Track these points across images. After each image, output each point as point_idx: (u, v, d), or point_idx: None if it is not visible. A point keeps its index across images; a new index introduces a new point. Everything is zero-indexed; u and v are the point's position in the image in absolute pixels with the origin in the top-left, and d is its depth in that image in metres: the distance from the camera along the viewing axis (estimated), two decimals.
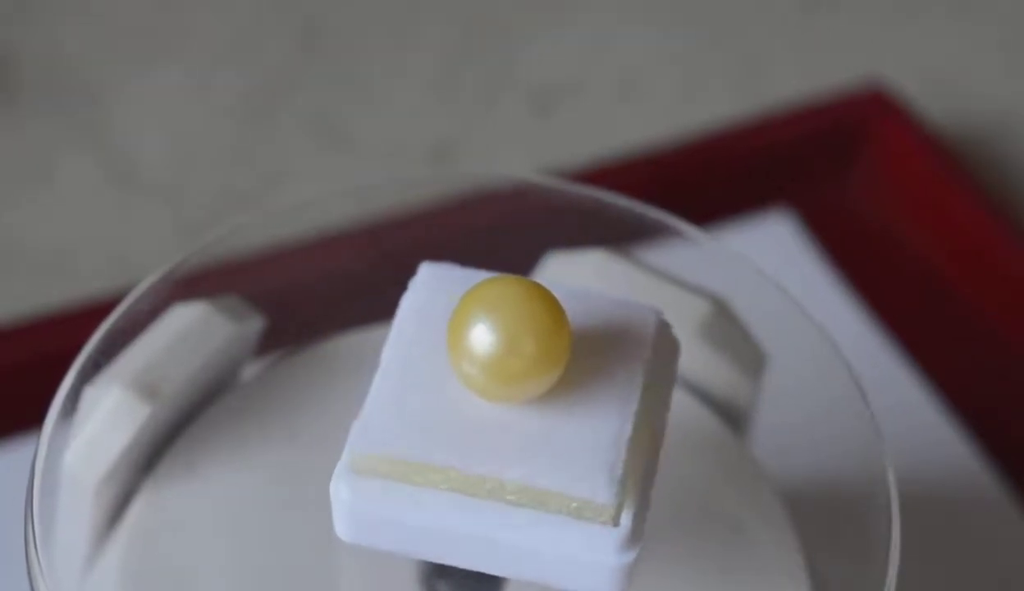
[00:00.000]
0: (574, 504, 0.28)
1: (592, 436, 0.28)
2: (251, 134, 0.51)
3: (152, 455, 0.33)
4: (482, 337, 0.28)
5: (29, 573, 0.31)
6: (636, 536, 0.28)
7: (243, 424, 0.34)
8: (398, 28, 0.55)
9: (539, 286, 0.28)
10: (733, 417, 0.36)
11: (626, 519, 0.28)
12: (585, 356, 0.29)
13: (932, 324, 0.47)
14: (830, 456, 0.36)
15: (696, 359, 0.35)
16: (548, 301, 0.28)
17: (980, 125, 0.53)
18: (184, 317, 0.34)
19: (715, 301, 0.35)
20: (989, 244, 0.48)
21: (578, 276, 0.36)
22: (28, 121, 0.51)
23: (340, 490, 0.28)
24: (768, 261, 0.37)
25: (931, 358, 0.46)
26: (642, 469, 0.29)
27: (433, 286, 0.30)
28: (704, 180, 0.49)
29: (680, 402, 0.35)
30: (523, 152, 0.52)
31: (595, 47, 0.55)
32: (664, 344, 0.30)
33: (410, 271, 0.31)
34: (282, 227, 0.36)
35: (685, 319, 0.35)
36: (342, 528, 0.28)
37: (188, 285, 0.34)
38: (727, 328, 0.35)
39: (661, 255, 0.37)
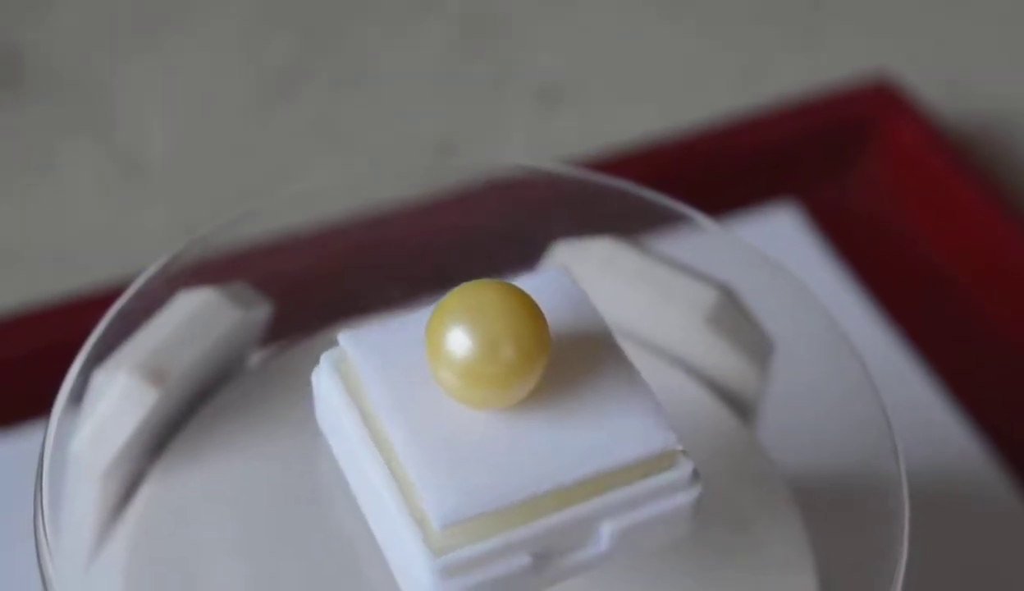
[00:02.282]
0: (652, 465, 0.28)
1: (625, 403, 0.29)
2: (255, 128, 0.51)
3: (159, 441, 0.33)
4: (461, 342, 0.28)
5: (39, 557, 0.31)
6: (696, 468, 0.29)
7: (250, 411, 0.34)
8: (402, 23, 0.55)
9: (515, 289, 0.28)
10: (740, 406, 0.35)
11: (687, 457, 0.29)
12: (557, 351, 0.29)
13: (937, 318, 0.47)
14: (838, 445, 0.36)
15: (703, 347, 0.35)
16: (526, 303, 0.28)
17: (987, 120, 0.53)
18: (191, 303, 0.34)
19: (723, 289, 0.35)
20: (995, 239, 0.48)
21: (586, 265, 0.36)
22: (32, 113, 0.51)
23: (422, 578, 0.27)
24: (773, 255, 0.37)
25: (937, 353, 0.46)
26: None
27: (373, 347, 0.30)
28: (709, 174, 0.49)
29: (687, 391, 0.35)
30: (528, 147, 0.52)
31: (599, 42, 0.55)
32: (587, 302, 0.30)
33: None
34: (291, 214, 0.36)
35: (693, 307, 0.35)
36: None
37: (195, 272, 0.34)
38: (735, 316, 0.35)
39: (668, 244, 0.37)
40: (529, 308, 0.28)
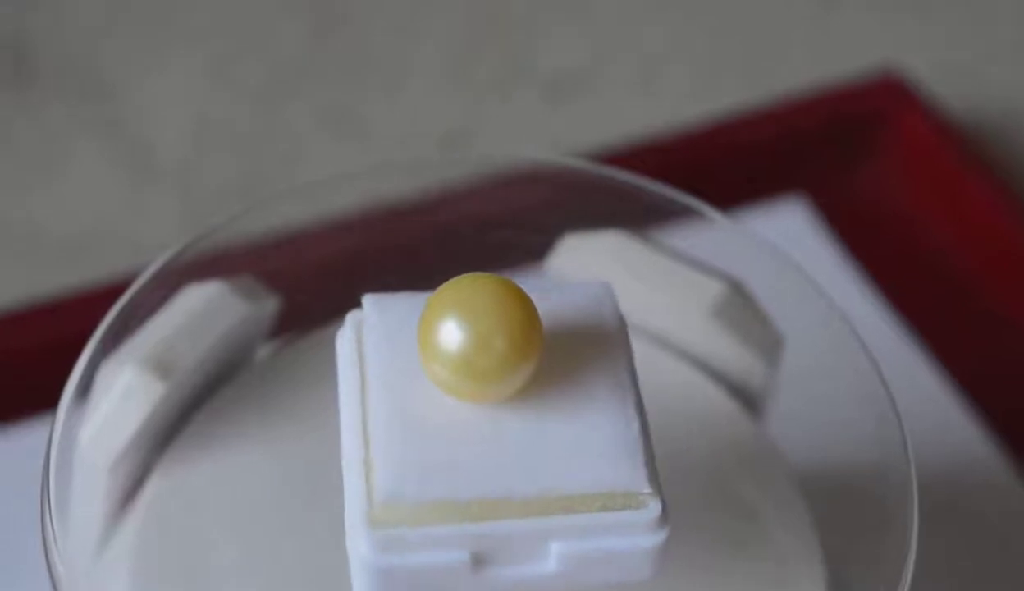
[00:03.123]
0: (613, 499, 0.28)
1: (604, 428, 0.28)
2: (265, 122, 0.51)
3: (166, 434, 0.33)
4: (452, 335, 0.28)
5: (46, 550, 0.31)
6: (666, 512, 0.28)
7: (257, 404, 0.34)
8: (412, 16, 0.55)
9: (508, 282, 0.28)
10: (749, 400, 0.35)
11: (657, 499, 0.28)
12: (557, 349, 0.29)
13: (947, 313, 0.47)
14: (847, 439, 0.36)
15: (712, 341, 0.35)
16: (518, 296, 0.28)
17: (997, 113, 0.53)
18: (198, 296, 0.34)
19: (731, 283, 0.35)
20: (1006, 233, 0.47)
21: (594, 258, 0.36)
22: (43, 108, 0.51)
23: (359, 547, 0.28)
24: (781, 249, 0.37)
25: (946, 347, 0.46)
26: (649, 445, 0.29)
27: (385, 317, 0.30)
28: (717, 168, 0.48)
29: (695, 385, 0.35)
30: (537, 141, 0.51)
31: (608, 35, 0.55)
32: (619, 320, 0.30)
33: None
34: (299, 207, 0.36)
35: (701, 301, 0.35)
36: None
37: (202, 265, 0.34)
38: (743, 310, 0.35)
39: (676, 237, 0.37)
40: (522, 302, 0.28)
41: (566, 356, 0.29)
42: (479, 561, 0.28)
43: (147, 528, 0.32)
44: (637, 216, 0.37)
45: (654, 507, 0.28)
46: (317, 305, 0.36)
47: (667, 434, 0.34)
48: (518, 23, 0.55)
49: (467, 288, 0.28)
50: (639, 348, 0.35)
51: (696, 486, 0.33)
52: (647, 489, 0.28)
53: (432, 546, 0.28)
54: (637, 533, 0.28)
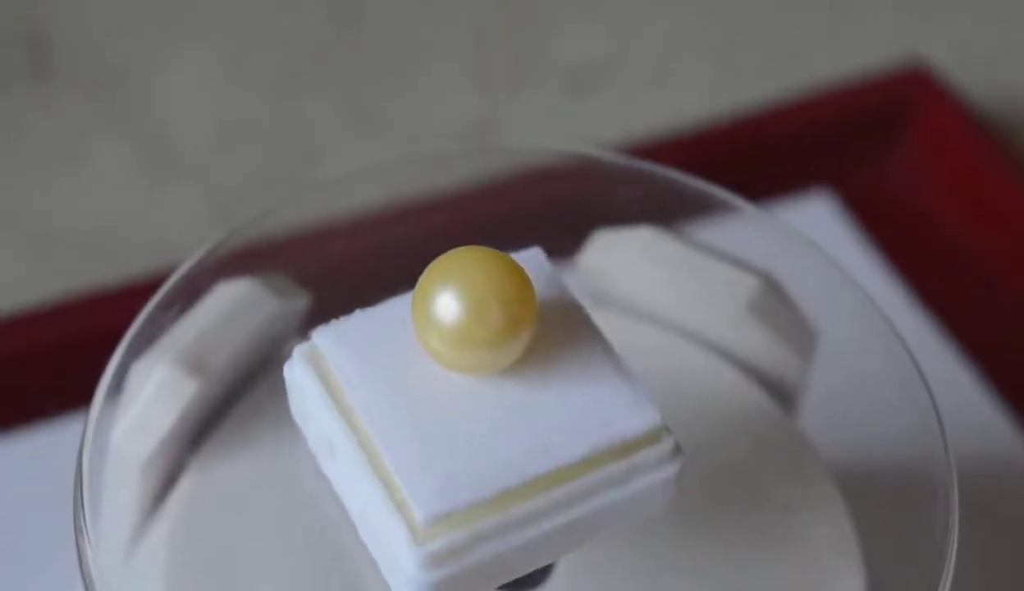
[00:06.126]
0: (636, 443, 0.28)
1: (601, 380, 0.29)
2: (285, 116, 0.51)
3: (199, 432, 0.33)
4: (449, 306, 0.28)
5: (78, 549, 0.30)
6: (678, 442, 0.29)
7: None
8: (432, 9, 0.55)
9: (501, 254, 0.29)
10: (783, 395, 0.35)
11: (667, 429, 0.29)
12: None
13: (974, 306, 0.47)
14: (883, 433, 0.35)
15: (746, 337, 0.35)
16: (512, 268, 0.28)
17: (1022, 103, 0.53)
18: (230, 294, 0.34)
19: (765, 278, 0.35)
20: None
21: (626, 254, 0.36)
22: (62, 102, 0.51)
23: (407, 568, 0.27)
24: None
25: (973, 339, 0.45)
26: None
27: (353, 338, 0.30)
28: (743, 161, 0.48)
29: (730, 380, 0.35)
30: (558, 134, 0.51)
31: (629, 28, 0.55)
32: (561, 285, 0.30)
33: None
34: (327, 203, 0.36)
35: (735, 296, 0.35)
36: None
37: (233, 262, 0.34)
38: (777, 305, 0.35)
39: (703, 231, 0.36)
40: (516, 273, 0.28)
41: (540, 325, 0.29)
42: (521, 540, 0.28)
43: (180, 527, 0.32)
44: (667, 209, 0.36)
45: (668, 438, 0.29)
46: (347, 302, 0.35)
47: (701, 430, 0.34)
48: (538, 16, 0.55)
49: (462, 260, 0.28)
50: (673, 344, 0.35)
51: (731, 483, 0.33)
52: (659, 423, 0.29)
53: (479, 543, 0.28)
54: (661, 467, 0.29)
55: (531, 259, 0.30)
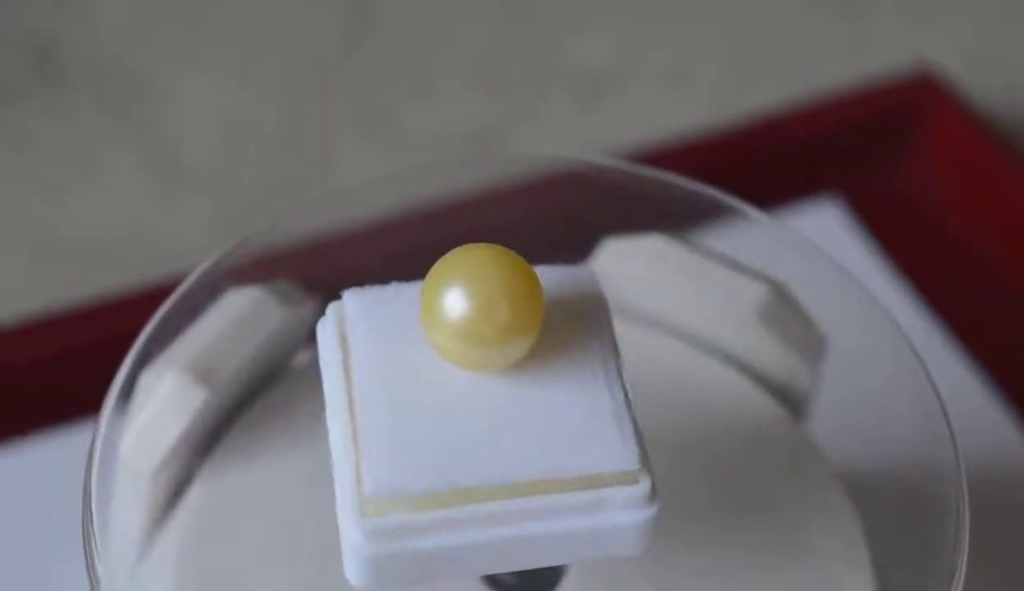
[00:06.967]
0: (605, 479, 0.28)
1: (593, 407, 0.28)
2: (297, 123, 0.51)
3: (207, 440, 0.33)
4: (457, 302, 0.28)
5: (87, 557, 0.30)
6: (655, 488, 0.28)
7: (298, 410, 0.34)
8: (444, 16, 0.55)
9: (510, 253, 0.28)
10: (793, 402, 0.35)
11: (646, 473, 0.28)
12: (547, 325, 0.29)
13: (984, 312, 0.47)
14: (893, 439, 0.35)
15: (756, 344, 0.35)
16: (521, 266, 0.28)
17: None
18: (238, 302, 0.34)
19: (774, 285, 0.35)
20: None
21: (635, 262, 0.35)
22: (73, 111, 0.51)
23: (352, 535, 0.28)
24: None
25: (984, 347, 0.45)
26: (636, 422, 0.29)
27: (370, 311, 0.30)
28: (752, 167, 0.48)
29: (739, 387, 0.35)
30: (569, 141, 0.51)
31: (640, 35, 0.55)
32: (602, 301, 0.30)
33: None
34: (337, 211, 0.36)
35: (744, 303, 0.35)
36: (357, 576, 0.28)
37: (243, 270, 0.34)
38: (787, 312, 0.35)
39: (711, 238, 0.36)
40: (523, 271, 0.28)
41: (555, 334, 0.29)
42: (469, 541, 0.28)
43: (189, 535, 0.32)
44: (676, 216, 0.36)
45: (644, 483, 0.28)
46: None
47: (711, 438, 0.34)
48: (549, 22, 0.55)
49: (471, 257, 0.28)
50: (683, 351, 0.35)
51: (741, 490, 0.33)
52: (637, 466, 0.28)
53: (427, 532, 0.28)
54: (629, 509, 0.28)
55: (576, 273, 0.30)
